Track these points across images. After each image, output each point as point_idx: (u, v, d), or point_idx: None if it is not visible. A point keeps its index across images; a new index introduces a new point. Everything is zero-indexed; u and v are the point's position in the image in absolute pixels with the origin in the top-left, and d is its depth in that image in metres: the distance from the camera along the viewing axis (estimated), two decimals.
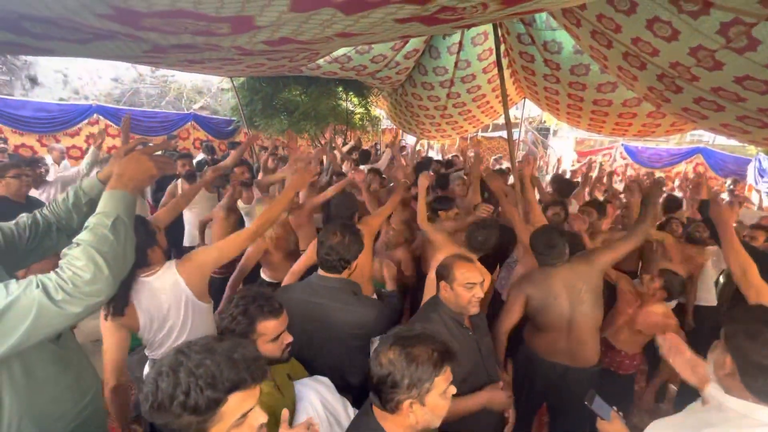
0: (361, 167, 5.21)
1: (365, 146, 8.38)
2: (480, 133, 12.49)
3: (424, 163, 5.49)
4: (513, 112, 10.05)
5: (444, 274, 1.57)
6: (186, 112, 8.05)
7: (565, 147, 10.57)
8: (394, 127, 10.94)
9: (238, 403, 0.77)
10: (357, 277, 2.13)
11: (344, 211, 2.44)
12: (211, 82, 11.39)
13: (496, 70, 4.11)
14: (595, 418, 1.25)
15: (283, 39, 1.54)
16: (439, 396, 0.96)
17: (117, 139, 6.65)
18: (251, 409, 0.79)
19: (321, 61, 4.84)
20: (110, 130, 6.56)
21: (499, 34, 4.36)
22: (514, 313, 2.00)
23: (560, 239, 1.99)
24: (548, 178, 6.42)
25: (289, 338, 1.19)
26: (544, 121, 10.57)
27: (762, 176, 6.46)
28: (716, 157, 7.73)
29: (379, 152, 7.48)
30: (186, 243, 4.07)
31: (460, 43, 4.72)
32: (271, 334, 1.14)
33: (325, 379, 1.30)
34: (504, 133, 11.82)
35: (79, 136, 6.85)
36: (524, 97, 7.03)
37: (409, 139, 13.58)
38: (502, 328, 2.01)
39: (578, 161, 9.19)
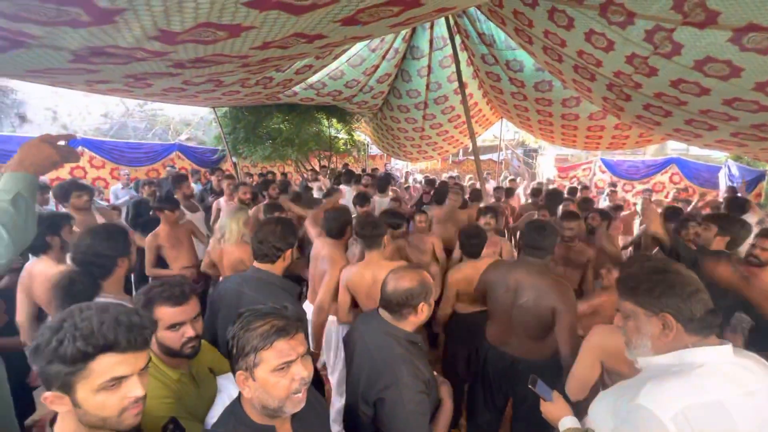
0: (342, 186, 5.30)
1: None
2: (462, 156, 12.80)
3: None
4: (493, 133, 10.36)
5: (422, 293, 1.35)
6: (171, 143, 8.22)
7: (546, 164, 10.83)
8: (381, 153, 11.20)
9: (109, 364, 0.77)
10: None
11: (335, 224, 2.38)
12: (198, 114, 11.69)
13: (466, 91, 4.28)
14: (539, 400, 1.28)
15: (165, 32, 1.51)
16: (270, 372, 0.89)
17: (101, 170, 6.75)
18: (126, 377, 0.79)
19: (297, 88, 5.02)
20: (94, 162, 6.67)
21: (461, 58, 4.57)
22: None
23: (547, 239, 1.96)
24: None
25: (191, 332, 1.14)
26: (523, 141, 10.87)
27: (732, 181, 6.65)
28: (690, 167, 7.98)
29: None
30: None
31: (429, 66, 4.93)
32: (166, 321, 1.12)
33: None
34: (492, 155, 12.14)
35: (64, 169, 6.93)
36: (501, 118, 7.26)
37: (397, 164, 13.87)
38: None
39: (559, 176, 9.42)
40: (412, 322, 1.38)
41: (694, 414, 0.86)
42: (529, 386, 1.29)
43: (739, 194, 4.76)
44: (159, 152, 7.51)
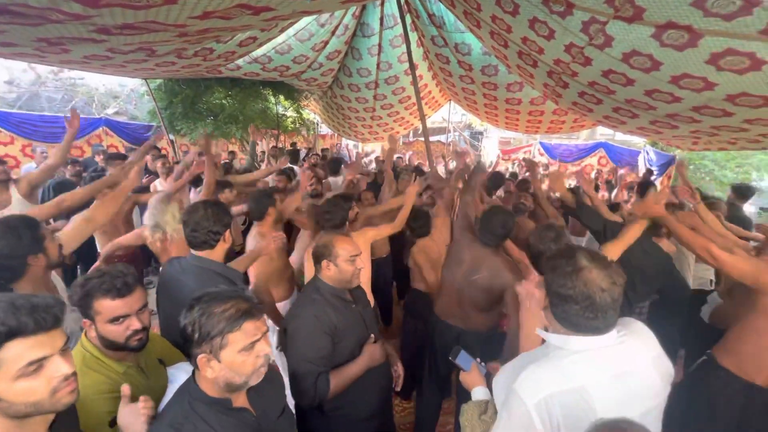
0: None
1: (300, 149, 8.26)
2: (413, 137, 12.95)
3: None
4: (441, 115, 10.59)
5: (325, 252, 1.55)
6: (97, 117, 7.37)
7: (490, 146, 11.34)
8: (332, 132, 10.97)
9: (21, 350, 0.73)
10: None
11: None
12: (127, 85, 10.54)
13: (416, 72, 4.29)
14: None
15: None
16: (237, 353, 0.94)
17: (10, 146, 5.89)
18: (47, 358, 0.75)
19: (240, 62, 4.71)
20: (1, 137, 5.80)
21: (411, 38, 4.56)
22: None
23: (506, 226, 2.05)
24: None
25: (136, 325, 1.09)
26: (470, 123, 11.24)
27: (650, 165, 7.46)
28: (615, 151, 8.88)
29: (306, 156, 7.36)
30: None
31: (380, 45, 4.86)
32: (106, 314, 1.05)
33: None
34: (440, 137, 12.39)
35: None
36: (449, 100, 7.41)
37: (348, 144, 13.69)
38: None
39: (502, 159, 9.94)
40: (328, 276, 1.56)
41: (556, 401, 0.90)
42: (450, 358, 1.36)
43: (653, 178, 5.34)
44: (82, 128, 6.69)
